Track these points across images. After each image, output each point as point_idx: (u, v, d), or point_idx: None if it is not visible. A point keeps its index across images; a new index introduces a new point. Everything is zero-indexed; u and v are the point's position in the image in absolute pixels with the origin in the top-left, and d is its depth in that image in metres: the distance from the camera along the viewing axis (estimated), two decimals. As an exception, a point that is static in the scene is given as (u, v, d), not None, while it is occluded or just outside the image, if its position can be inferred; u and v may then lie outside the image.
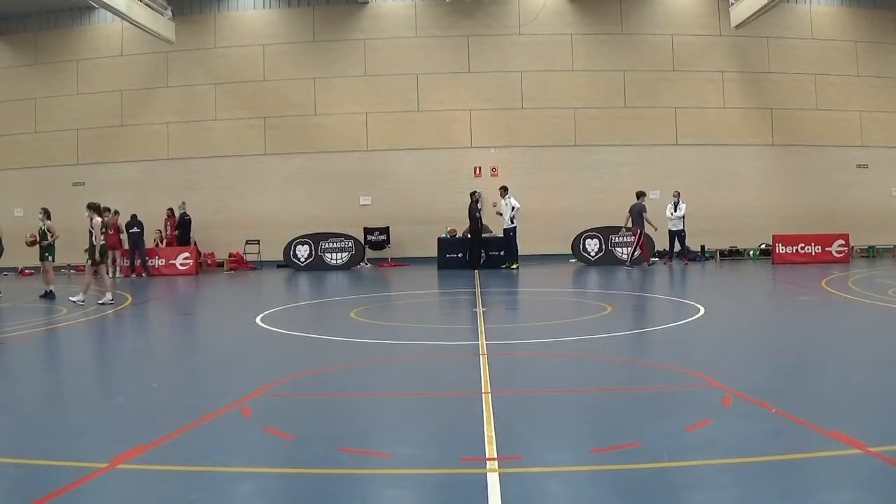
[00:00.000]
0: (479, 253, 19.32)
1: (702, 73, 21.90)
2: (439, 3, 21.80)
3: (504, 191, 19.32)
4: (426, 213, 21.44)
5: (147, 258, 19.95)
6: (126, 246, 19.91)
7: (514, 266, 18.98)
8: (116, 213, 19.95)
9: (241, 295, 16.25)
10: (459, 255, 19.73)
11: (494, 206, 20.55)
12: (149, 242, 20.50)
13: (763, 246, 21.31)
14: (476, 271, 18.53)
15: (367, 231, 21.42)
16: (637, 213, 18.95)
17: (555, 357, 7.91)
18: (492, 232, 20.06)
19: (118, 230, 19.88)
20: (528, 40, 21.85)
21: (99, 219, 12.99)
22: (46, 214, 14.18)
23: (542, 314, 12.30)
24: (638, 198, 19.11)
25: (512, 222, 19.05)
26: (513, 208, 19.02)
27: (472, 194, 19.62)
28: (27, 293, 15.09)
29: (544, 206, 21.21)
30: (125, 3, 18.51)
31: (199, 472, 4.43)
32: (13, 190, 22.25)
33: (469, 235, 19.59)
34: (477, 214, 19.27)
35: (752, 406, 5.56)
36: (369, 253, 21.42)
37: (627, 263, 19.16)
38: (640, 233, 18.97)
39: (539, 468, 4.36)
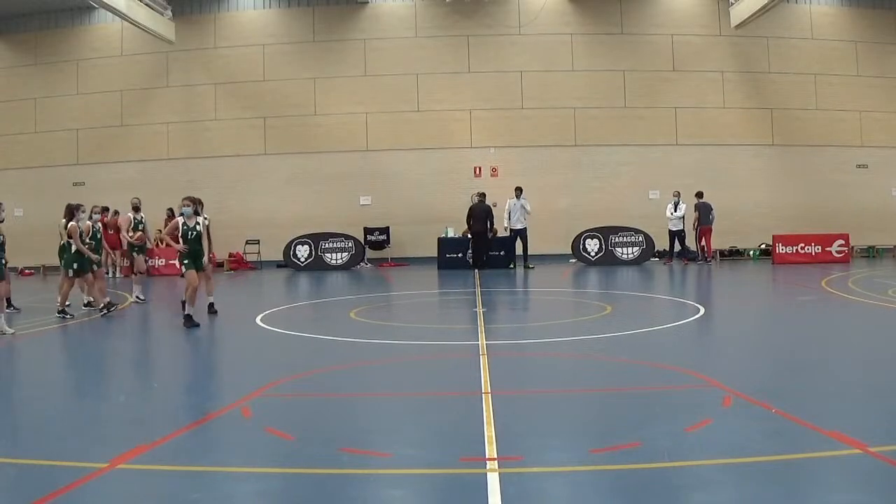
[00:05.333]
0: (485, 254, 19.42)
1: (702, 73, 21.89)
2: (439, 3, 21.80)
3: (519, 191, 19.32)
4: (426, 213, 21.44)
5: (147, 258, 19.91)
6: (126, 246, 19.87)
7: (531, 266, 19.06)
8: (116, 213, 19.93)
9: (241, 295, 16.24)
10: (459, 255, 19.75)
11: (495, 205, 20.54)
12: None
13: (763, 246, 21.30)
14: (476, 271, 18.57)
15: (367, 231, 21.42)
16: (706, 212, 19.68)
17: (555, 357, 7.91)
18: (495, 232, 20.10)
19: (119, 230, 19.84)
20: (528, 40, 21.84)
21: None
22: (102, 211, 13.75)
23: (542, 314, 12.31)
24: (700, 197, 19.75)
25: (524, 222, 19.15)
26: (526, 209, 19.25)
27: (482, 195, 19.65)
28: (27, 294, 15.09)
29: (544, 206, 21.17)
30: (125, 3, 18.50)
31: (199, 472, 4.43)
32: (13, 190, 22.19)
33: (470, 235, 19.55)
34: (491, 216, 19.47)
35: (752, 406, 5.56)
36: (369, 253, 21.42)
37: (709, 259, 19.81)
38: (709, 230, 19.79)
39: (539, 468, 4.36)
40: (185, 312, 10.13)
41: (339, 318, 11.51)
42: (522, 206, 19.20)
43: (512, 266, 19.26)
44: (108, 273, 20.05)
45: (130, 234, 13.72)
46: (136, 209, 14.14)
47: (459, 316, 11.97)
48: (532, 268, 18.97)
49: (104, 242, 13.23)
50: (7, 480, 4.34)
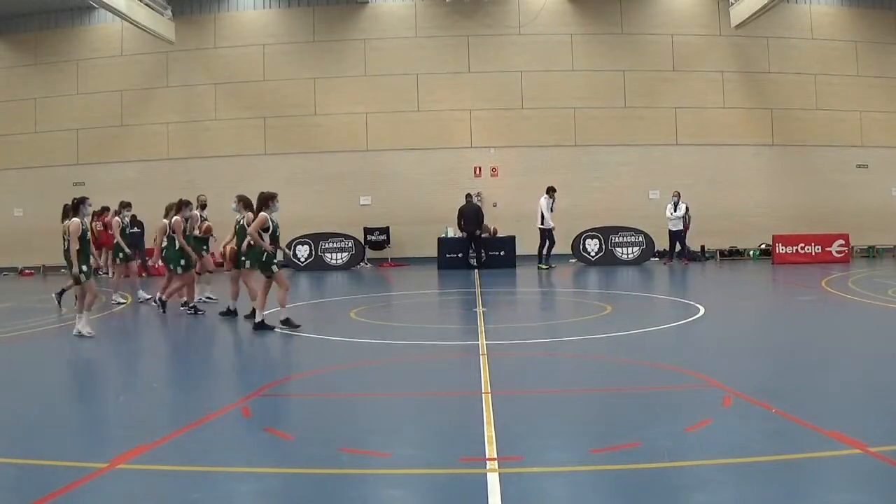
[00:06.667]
0: (481, 253, 19.41)
1: (702, 73, 21.87)
2: (439, 3, 21.79)
3: (552, 191, 19.15)
4: (426, 213, 21.42)
5: (147, 258, 19.92)
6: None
7: (553, 266, 18.98)
8: (116, 212, 19.91)
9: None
10: (459, 255, 19.74)
11: (495, 205, 20.56)
12: (148, 242, 20.44)
13: (763, 246, 21.29)
14: (476, 271, 18.57)
15: (367, 231, 21.41)
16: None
17: (555, 357, 7.91)
18: (491, 232, 20.07)
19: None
20: (528, 40, 21.83)
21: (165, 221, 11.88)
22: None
23: (542, 314, 12.32)
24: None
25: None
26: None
27: (469, 196, 19.66)
28: (27, 294, 15.08)
29: (544, 206, 21.21)
30: (125, 3, 18.49)
31: (199, 472, 4.44)
32: (13, 190, 22.22)
33: (467, 235, 19.53)
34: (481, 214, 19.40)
35: (752, 406, 5.56)
36: (369, 253, 21.41)
37: (685, 259, 19.92)
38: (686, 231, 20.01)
39: (539, 468, 4.36)
40: (258, 320, 9.84)
41: (340, 318, 11.52)
42: (552, 207, 19.05)
43: (550, 266, 19.00)
44: (105, 272, 20.06)
45: (198, 232, 13.25)
46: (204, 207, 13.62)
47: (459, 316, 11.98)
48: (551, 267, 18.93)
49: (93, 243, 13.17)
50: (7, 480, 4.35)
